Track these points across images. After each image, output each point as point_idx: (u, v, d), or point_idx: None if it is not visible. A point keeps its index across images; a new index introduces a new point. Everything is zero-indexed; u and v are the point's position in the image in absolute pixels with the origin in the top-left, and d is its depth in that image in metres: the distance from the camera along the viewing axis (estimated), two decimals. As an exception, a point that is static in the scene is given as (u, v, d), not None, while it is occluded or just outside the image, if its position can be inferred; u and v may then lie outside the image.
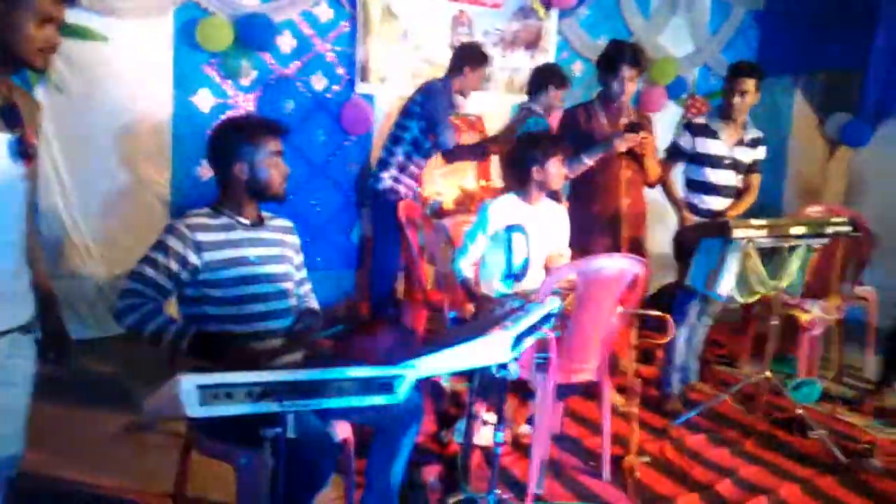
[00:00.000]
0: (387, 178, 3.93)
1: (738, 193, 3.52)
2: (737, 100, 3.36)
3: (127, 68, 3.89)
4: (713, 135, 3.45)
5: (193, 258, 1.99)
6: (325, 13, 4.45)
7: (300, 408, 1.36)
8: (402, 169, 3.95)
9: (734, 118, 3.44)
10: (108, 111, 3.90)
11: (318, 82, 4.50)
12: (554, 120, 3.93)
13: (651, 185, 3.51)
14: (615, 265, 2.61)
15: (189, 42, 4.03)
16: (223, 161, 2.08)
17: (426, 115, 3.86)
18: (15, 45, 1.57)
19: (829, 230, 3.19)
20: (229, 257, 2.03)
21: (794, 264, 3.25)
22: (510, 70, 5.13)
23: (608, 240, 3.30)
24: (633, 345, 2.88)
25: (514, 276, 2.96)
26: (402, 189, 3.95)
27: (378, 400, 1.46)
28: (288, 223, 2.26)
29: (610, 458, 2.80)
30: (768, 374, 3.25)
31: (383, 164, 3.99)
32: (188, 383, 1.27)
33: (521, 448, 2.94)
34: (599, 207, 3.35)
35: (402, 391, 1.47)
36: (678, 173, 3.61)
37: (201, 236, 2.01)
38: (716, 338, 4.43)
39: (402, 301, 4.18)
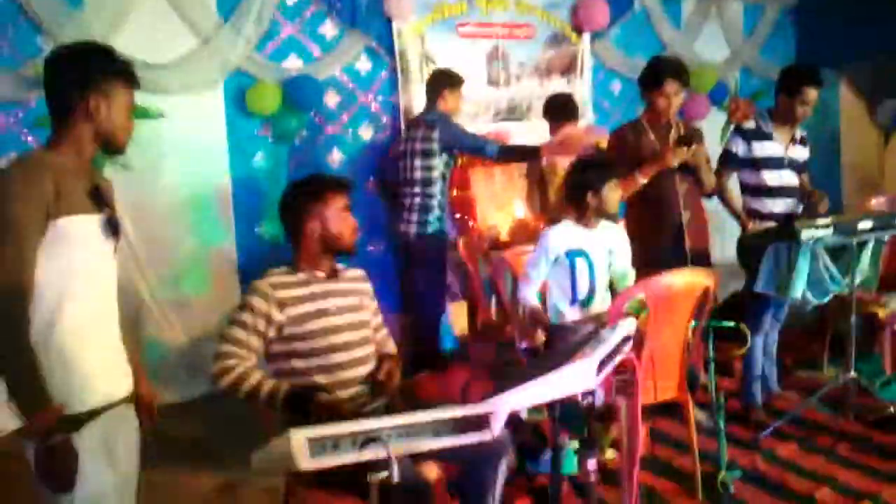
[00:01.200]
0: (434, 221, 3.98)
1: (799, 194, 3.46)
2: (800, 108, 3.33)
3: (184, 140, 4.07)
4: (768, 137, 3.41)
5: (277, 315, 2.07)
6: (364, 66, 4.60)
7: (403, 451, 1.40)
8: (442, 208, 4.01)
9: (793, 123, 3.42)
10: (170, 183, 4.09)
11: (366, 132, 4.63)
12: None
13: (708, 196, 3.49)
14: (683, 279, 2.60)
15: (240, 108, 4.21)
16: (296, 220, 2.19)
17: (447, 145, 3.92)
18: (113, 135, 1.74)
19: (899, 222, 3.13)
20: (311, 310, 2.12)
21: (865, 259, 3.20)
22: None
23: (672, 254, 3.29)
24: (710, 358, 2.85)
25: (580, 301, 2.98)
26: (448, 227, 4.00)
27: (474, 437, 1.49)
28: (360, 272, 2.34)
29: (701, 477, 2.75)
30: (853, 374, 3.16)
31: (424, 208, 3.99)
32: (298, 437, 1.32)
33: (607, 474, 2.92)
34: (659, 222, 3.34)
35: (496, 426, 1.51)
36: (734, 181, 3.56)
37: (282, 293, 2.10)
38: (792, 342, 4.34)
39: (468, 338, 4.21)
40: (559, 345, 2.80)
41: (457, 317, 4.49)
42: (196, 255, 4.18)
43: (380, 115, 4.66)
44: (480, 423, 1.47)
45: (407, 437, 1.41)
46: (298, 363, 2.10)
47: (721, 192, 3.50)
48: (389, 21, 4.57)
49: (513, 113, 5.04)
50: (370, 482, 1.45)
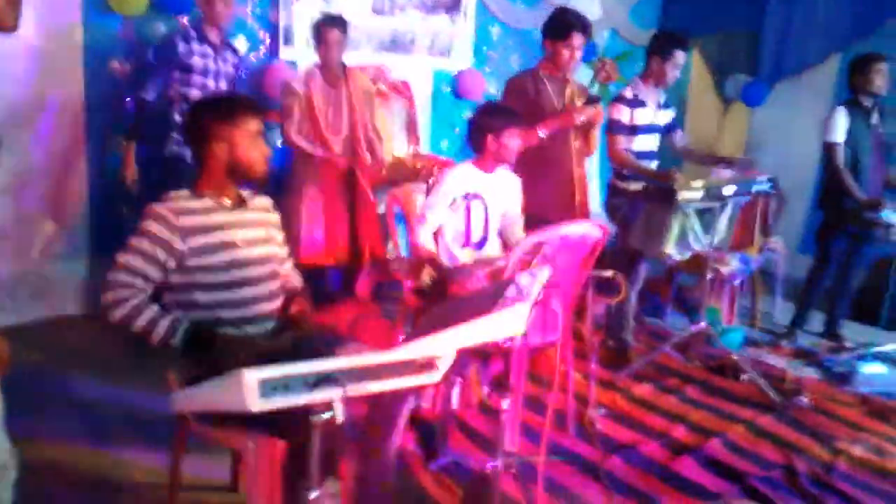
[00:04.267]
0: None
1: (657, 156, 3.72)
2: (672, 72, 3.53)
3: (30, 42, 3.57)
4: (643, 104, 3.61)
5: (179, 244, 1.90)
6: (243, -23, 4.24)
7: (355, 392, 1.36)
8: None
9: (663, 86, 3.62)
10: (15, 87, 3.57)
11: (239, 47, 4.29)
12: None
13: (589, 155, 3.61)
14: (580, 231, 2.71)
15: (100, 7, 3.74)
16: (201, 142, 2.00)
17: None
18: None
19: (755, 188, 3.44)
20: (216, 242, 1.96)
21: (723, 222, 3.49)
22: (431, 34, 5.10)
23: (565, 209, 3.37)
24: (589, 306, 3.01)
25: (473, 244, 3.02)
26: None
27: (422, 380, 1.48)
28: (267, 201, 2.20)
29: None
30: (704, 324, 3.49)
31: None
32: (251, 378, 1.24)
33: (484, 410, 3.03)
34: (555, 178, 3.40)
35: (443, 370, 1.50)
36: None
37: (185, 220, 1.93)
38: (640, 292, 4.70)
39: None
40: (453, 287, 2.83)
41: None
42: (41, 171, 3.71)
43: (256, 29, 4.34)
44: (433, 365, 1.46)
45: (359, 379, 1.37)
46: (201, 296, 1.95)
47: (622, 158, 3.60)
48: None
49: (395, 45, 4.90)
50: (314, 423, 1.41)
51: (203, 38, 3.55)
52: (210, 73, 3.57)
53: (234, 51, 3.82)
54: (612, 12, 6.15)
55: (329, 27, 3.83)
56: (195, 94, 3.47)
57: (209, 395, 1.40)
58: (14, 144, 3.58)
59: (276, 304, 2.08)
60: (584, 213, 3.42)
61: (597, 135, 3.49)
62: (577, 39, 3.29)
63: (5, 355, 1.49)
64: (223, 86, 3.63)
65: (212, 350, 1.86)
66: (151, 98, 3.49)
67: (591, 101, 3.32)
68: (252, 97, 2.10)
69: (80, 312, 3.86)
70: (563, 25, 3.30)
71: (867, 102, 3.83)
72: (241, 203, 2.08)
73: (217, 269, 1.96)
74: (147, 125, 3.54)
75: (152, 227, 1.90)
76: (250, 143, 2.01)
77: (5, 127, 3.48)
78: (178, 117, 3.50)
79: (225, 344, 1.88)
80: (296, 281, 2.24)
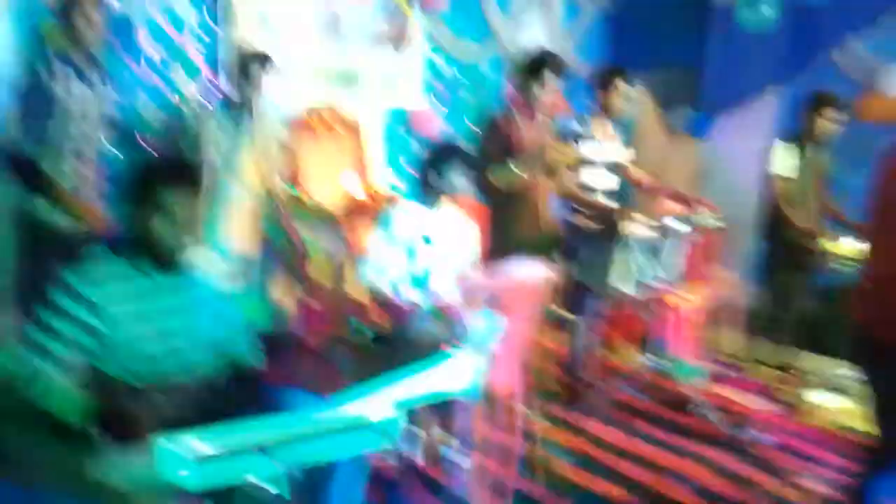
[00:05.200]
0: None
1: (612, 194, 3.73)
2: (617, 104, 3.55)
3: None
4: (589, 138, 3.62)
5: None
6: (186, 11, 4.16)
7: (296, 462, 1.29)
8: None
9: (611, 119, 3.64)
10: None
11: (184, 84, 4.20)
12: None
13: (557, 193, 3.59)
14: (531, 272, 2.68)
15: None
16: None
17: None
18: None
19: (702, 222, 3.49)
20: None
21: (671, 255, 3.52)
22: (379, 69, 5.05)
23: (530, 247, 3.25)
24: (548, 347, 2.98)
25: (417, 284, 2.96)
26: None
27: (377, 444, 1.42)
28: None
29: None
30: (656, 358, 3.50)
31: None
32: (169, 447, 1.17)
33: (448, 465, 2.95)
34: (523, 216, 3.38)
35: (397, 434, 1.44)
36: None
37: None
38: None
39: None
40: (398, 328, 2.77)
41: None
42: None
43: (199, 66, 4.26)
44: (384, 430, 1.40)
45: (296, 449, 1.30)
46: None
47: (569, 192, 3.59)
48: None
49: (345, 81, 4.85)
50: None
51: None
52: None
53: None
54: (559, 48, 6.23)
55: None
56: None
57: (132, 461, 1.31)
58: None
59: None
60: (549, 252, 3.40)
61: (566, 172, 3.48)
62: (553, 80, 3.30)
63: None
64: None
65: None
66: None
67: (566, 137, 3.32)
68: (174, 160, 1.90)
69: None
70: (538, 65, 3.32)
71: (811, 136, 3.90)
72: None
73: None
74: None
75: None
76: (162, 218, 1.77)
77: None
78: None
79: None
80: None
